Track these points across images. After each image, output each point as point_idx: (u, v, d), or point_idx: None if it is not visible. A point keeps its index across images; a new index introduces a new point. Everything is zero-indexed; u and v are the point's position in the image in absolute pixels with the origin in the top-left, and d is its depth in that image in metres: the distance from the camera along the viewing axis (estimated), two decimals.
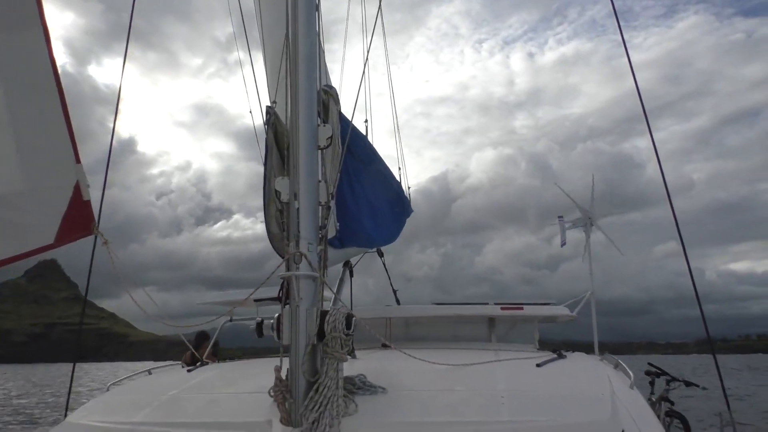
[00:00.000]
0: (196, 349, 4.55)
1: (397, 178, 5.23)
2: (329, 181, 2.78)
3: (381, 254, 5.81)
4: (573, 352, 3.96)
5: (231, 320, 4.02)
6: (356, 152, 3.27)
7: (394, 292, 6.32)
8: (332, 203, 2.75)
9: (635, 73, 4.04)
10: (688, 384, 8.56)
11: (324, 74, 3.85)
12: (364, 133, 3.39)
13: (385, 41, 7.44)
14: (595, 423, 2.35)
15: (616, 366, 3.50)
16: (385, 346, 3.87)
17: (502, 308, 4.94)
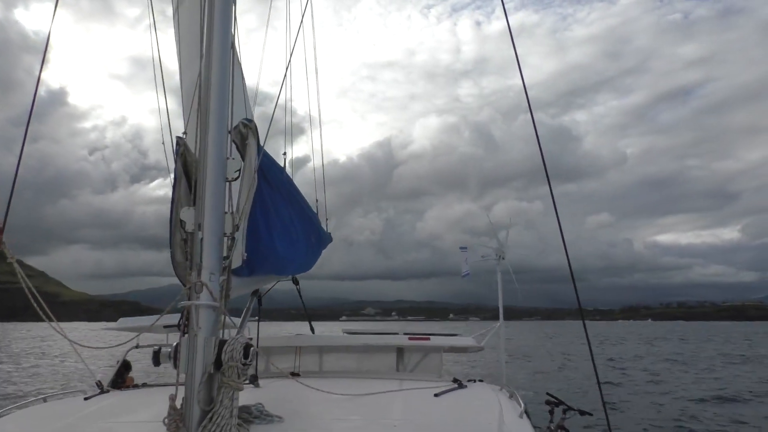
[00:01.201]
0: (117, 379, 4.48)
1: (315, 209, 5.28)
2: (238, 212, 2.81)
3: (296, 282, 5.71)
4: (475, 381, 4.21)
5: (137, 346, 3.97)
6: (273, 182, 3.32)
7: (309, 319, 6.37)
8: (237, 234, 2.80)
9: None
10: (582, 413, 9.61)
11: (247, 107, 3.86)
12: (282, 164, 3.45)
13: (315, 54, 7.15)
14: None
15: (511, 396, 3.75)
16: (293, 374, 3.98)
17: (410, 338, 5.17)
